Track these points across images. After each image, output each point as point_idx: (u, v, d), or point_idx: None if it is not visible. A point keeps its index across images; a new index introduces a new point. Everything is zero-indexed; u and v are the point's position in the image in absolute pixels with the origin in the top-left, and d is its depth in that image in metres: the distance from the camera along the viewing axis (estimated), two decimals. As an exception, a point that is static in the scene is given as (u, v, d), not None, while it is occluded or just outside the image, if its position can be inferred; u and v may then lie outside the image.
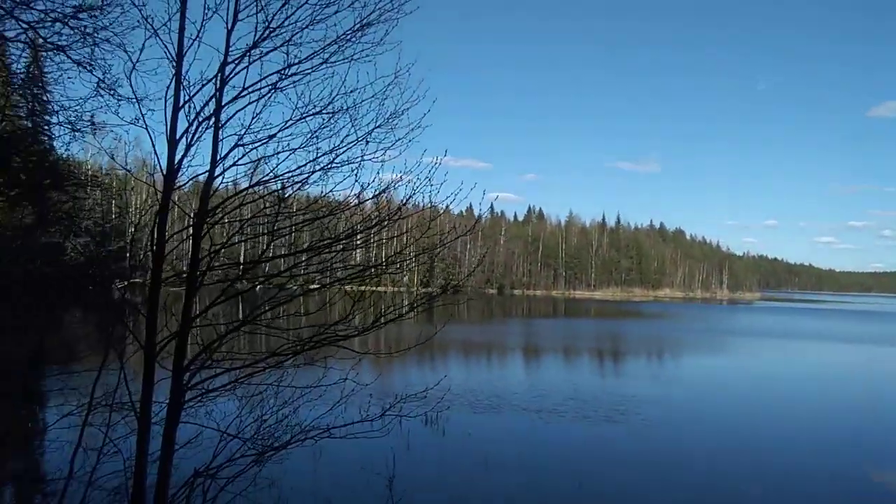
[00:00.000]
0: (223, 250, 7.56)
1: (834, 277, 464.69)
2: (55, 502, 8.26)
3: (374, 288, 8.17)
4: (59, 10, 8.60)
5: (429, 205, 6.91)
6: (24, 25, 8.90)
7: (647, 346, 50.99)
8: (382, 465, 8.98)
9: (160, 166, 6.79)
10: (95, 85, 9.38)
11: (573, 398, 25.35)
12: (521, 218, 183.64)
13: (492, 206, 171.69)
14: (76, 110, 10.23)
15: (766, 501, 14.89)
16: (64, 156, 13.60)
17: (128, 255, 9.18)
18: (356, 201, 7.13)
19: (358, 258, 9.60)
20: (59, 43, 9.01)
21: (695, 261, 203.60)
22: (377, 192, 7.06)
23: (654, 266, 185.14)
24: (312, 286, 7.82)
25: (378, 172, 6.92)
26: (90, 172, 11.75)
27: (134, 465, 7.30)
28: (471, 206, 8.13)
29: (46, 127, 12.81)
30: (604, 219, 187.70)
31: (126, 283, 8.64)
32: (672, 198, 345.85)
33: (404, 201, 6.88)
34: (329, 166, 7.04)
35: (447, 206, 7.14)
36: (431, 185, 6.68)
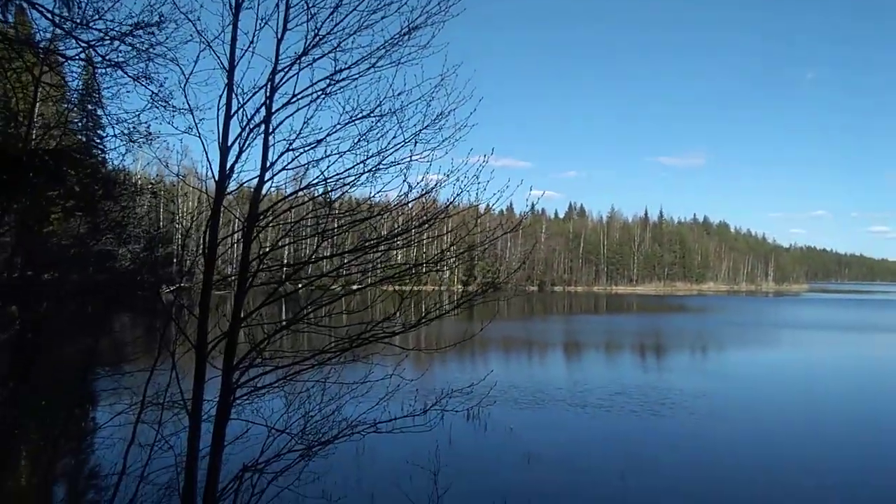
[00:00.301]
0: (270, 253, 7.72)
1: (887, 267, 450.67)
2: (108, 497, 8.51)
3: (415, 287, 8.23)
4: (116, 28, 8.82)
5: (474, 202, 6.93)
6: (84, 44, 9.15)
7: (690, 340, 50.28)
8: (426, 460, 9.07)
9: (213, 172, 6.95)
10: (150, 98, 9.65)
11: (617, 393, 25.20)
12: (561, 215, 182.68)
13: (533, 205, 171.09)
14: (131, 122, 10.51)
15: (814, 494, 14.59)
16: (117, 167, 13.99)
17: (175, 260, 9.40)
18: (403, 202, 7.18)
19: (399, 257, 9.68)
20: (116, 60, 9.25)
21: (739, 253, 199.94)
22: (423, 192, 7.12)
23: (697, 260, 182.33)
24: (355, 286, 7.92)
25: (426, 172, 6.98)
26: (140, 183, 12.05)
27: (185, 460, 7.50)
28: (511, 205, 8.16)
29: (100, 140, 13.19)
30: (646, 214, 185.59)
31: (174, 287, 8.85)
32: (716, 191, 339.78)
33: (451, 200, 6.93)
34: (376, 168, 7.12)
35: (490, 205, 7.19)
36: (479, 183, 6.72)
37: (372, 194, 7.02)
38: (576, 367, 34.70)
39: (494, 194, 6.93)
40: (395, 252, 8.38)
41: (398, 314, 7.19)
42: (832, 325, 65.22)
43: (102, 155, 13.95)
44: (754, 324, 67.31)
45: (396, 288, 7.79)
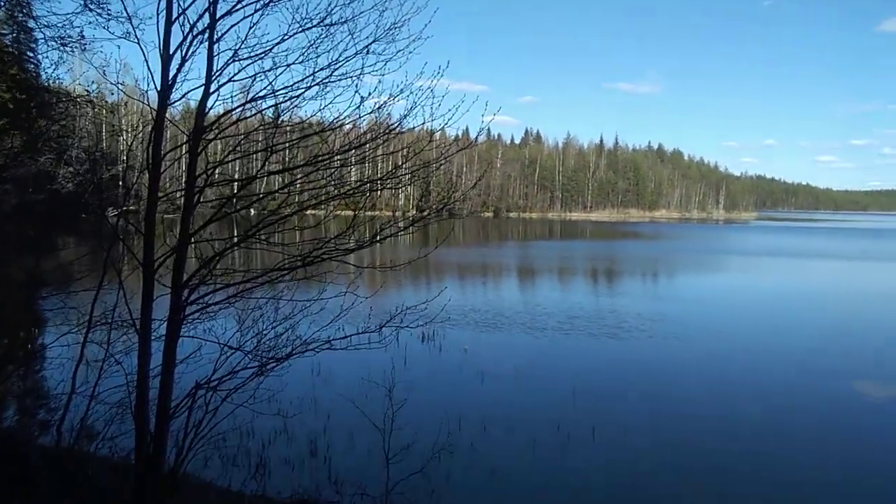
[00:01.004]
0: (219, 169, 7.48)
1: (831, 196, 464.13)
2: (59, 416, 8.43)
3: (369, 212, 8.09)
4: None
5: (428, 118, 6.76)
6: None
7: (645, 266, 51.37)
8: (381, 378, 9.18)
9: (154, 83, 6.61)
10: (83, 1, 9.05)
11: (573, 317, 25.76)
12: (517, 141, 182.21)
13: (489, 129, 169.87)
14: (63, 27, 9.88)
15: (760, 401, 15.29)
16: (51, 80, 13.28)
17: (120, 182, 9.06)
18: (356, 116, 6.97)
19: (354, 178, 9.47)
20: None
21: (692, 181, 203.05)
22: (377, 107, 6.90)
23: (651, 187, 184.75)
24: (308, 205, 7.75)
25: (379, 83, 6.75)
26: (78, 99, 11.43)
27: (135, 379, 7.43)
28: (467, 129, 8.00)
29: (33, 45, 12.43)
30: (601, 140, 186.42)
31: (120, 210, 8.56)
32: (671, 119, 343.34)
33: (405, 113, 6.73)
34: (327, 80, 6.86)
35: (446, 122, 7.02)
36: (433, 98, 6.53)
37: (322, 107, 6.78)
38: (531, 292, 35.25)
39: (449, 110, 6.77)
40: (348, 171, 8.20)
41: (352, 230, 7.07)
42: (781, 252, 67.12)
43: (36, 69, 13.21)
44: (707, 251, 68.98)
45: (351, 212, 7.63)
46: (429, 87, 6.51)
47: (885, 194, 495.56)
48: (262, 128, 7.04)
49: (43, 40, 10.65)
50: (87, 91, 8.19)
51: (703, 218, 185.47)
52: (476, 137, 7.04)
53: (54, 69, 9.84)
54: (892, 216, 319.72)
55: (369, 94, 6.70)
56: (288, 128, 7.19)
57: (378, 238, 7.31)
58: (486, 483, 10.90)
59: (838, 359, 20.67)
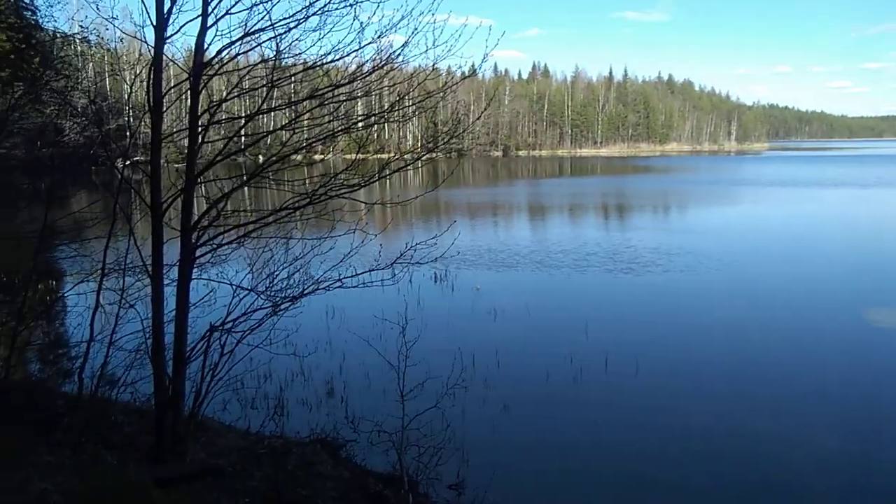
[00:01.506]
0: (223, 108, 7.36)
1: (845, 124, 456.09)
2: (79, 364, 8.54)
3: (376, 155, 7.97)
4: None
5: (431, 46, 6.56)
6: None
7: (656, 200, 50.95)
8: (394, 317, 9.19)
9: (150, 18, 6.45)
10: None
11: (588, 253, 25.71)
12: (525, 76, 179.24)
13: (495, 65, 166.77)
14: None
15: (772, 334, 15.33)
16: (49, 23, 13.07)
17: (128, 133, 8.95)
18: (356, 46, 6.77)
19: (359, 114, 9.30)
20: None
21: (703, 113, 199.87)
22: (377, 35, 6.70)
23: (661, 120, 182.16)
24: (314, 141, 7.64)
25: (378, 7, 6.53)
26: (75, 37, 11.25)
27: (151, 324, 7.48)
28: (473, 66, 7.76)
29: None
30: (611, 73, 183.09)
31: (129, 160, 8.49)
32: (680, 48, 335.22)
33: (407, 40, 6.53)
34: (325, 9, 6.66)
35: (449, 50, 6.82)
36: (435, 23, 6.32)
37: (322, 36, 6.58)
38: (542, 230, 35.13)
39: (452, 36, 6.57)
40: (353, 105, 8.06)
41: (358, 165, 6.97)
42: (795, 182, 66.28)
43: (34, 17, 13.00)
44: (719, 182, 68.07)
45: (359, 156, 7.50)
46: (430, 11, 6.30)
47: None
48: (262, 63, 6.87)
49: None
50: (82, 27, 8.00)
51: (714, 150, 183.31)
52: (481, 63, 6.85)
53: (49, 7, 9.61)
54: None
55: (369, 19, 6.49)
56: (290, 61, 7.03)
57: (387, 173, 7.21)
58: (499, 416, 11.03)
59: (854, 286, 20.59)
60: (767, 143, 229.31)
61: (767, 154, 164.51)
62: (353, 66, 7.03)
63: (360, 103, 8.17)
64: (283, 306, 7.67)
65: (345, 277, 7.60)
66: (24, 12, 13.79)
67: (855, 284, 20.83)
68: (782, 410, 11.27)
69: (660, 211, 44.23)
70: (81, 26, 7.88)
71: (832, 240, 30.43)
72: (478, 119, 50.22)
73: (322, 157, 8.40)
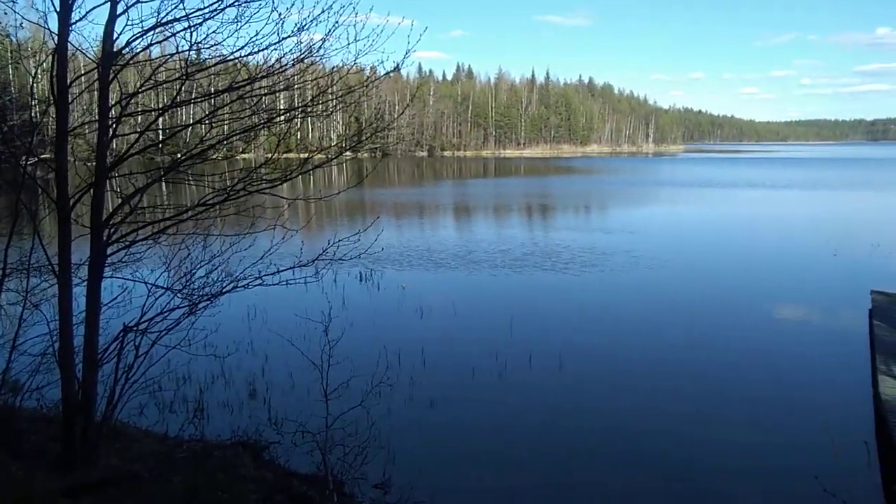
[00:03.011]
0: (138, 99, 7.07)
1: (754, 128, 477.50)
2: (-24, 371, 8.05)
3: (300, 154, 7.80)
4: None
5: (352, 40, 6.47)
6: None
7: (578, 200, 52.08)
8: (318, 316, 9.02)
9: (53, 3, 6.11)
10: None
11: (507, 252, 26.03)
12: (449, 77, 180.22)
13: (419, 65, 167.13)
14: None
15: (687, 331, 15.86)
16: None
17: (35, 129, 8.46)
18: (276, 39, 6.61)
19: (282, 108, 9.11)
20: None
21: (622, 115, 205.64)
22: (296, 28, 6.54)
23: (582, 122, 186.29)
24: (233, 135, 7.42)
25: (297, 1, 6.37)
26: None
27: (58, 326, 7.11)
28: (397, 66, 7.71)
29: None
30: (533, 75, 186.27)
31: (35, 159, 8.04)
32: (601, 53, 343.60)
33: (328, 32, 6.42)
34: (243, 0, 6.47)
35: (371, 44, 6.75)
36: (356, 15, 6.23)
37: (239, 27, 6.38)
38: (468, 230, 35.28)
39: (373, 31, 6.50)
40: (274, 99, 7.88)
41: (278, 159, 6.81)
42: (711, 183, 68.74)
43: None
44: (639, 183, 70.19)
45: (277, 152, 7.31)
46: (350, 5, 6.22)
47: (803, 124, 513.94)
48: (177, 54, 6.61)
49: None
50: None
51: (633, 151, 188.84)
52: (404, 59, 6.79)
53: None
54: (809, 146, 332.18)
55: (288, 10, 6.33)
56: (207, 53, 6.80)
57: (308, 168, 7.08)
58: (425, 414, 11.03)
59: (767, 283, 21.55)
60: (683, 146, 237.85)
61: (683, 156, 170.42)
62: (273, 60, 6.86)
63: (281, 98, 7.99)
64: (201, 305, 7.42)
65: (265, 275, 7.43)
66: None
67: (769, 281, 21.78)
68: (702, 406, 11.61)
69: (583, 211, 45.17)
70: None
71: (752, 239, 31.59)
72: (401, 115, 50.28)
73: (243, 154, 8.18)
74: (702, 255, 26.80)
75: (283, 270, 7.43)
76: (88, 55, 7.00)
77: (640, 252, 26.00)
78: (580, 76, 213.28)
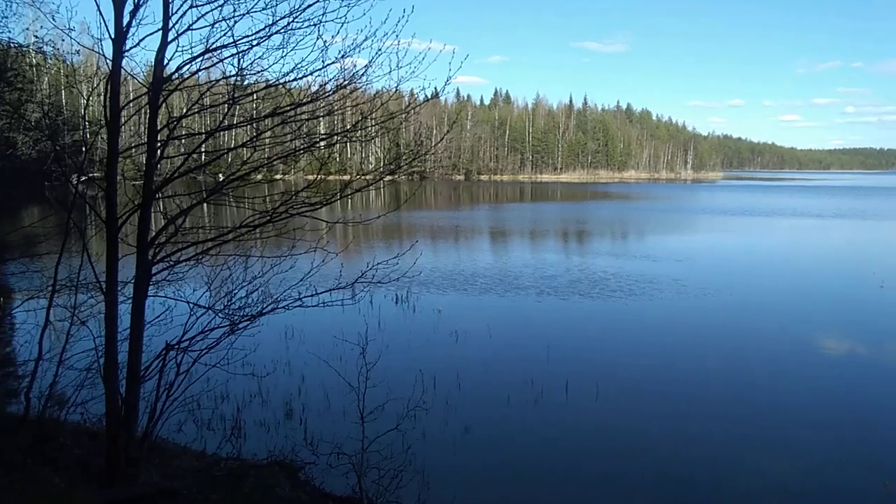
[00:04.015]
0: (183, 124, 7.27)
1: (795, 156, 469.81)
2: (26, 383, 8.27)
3: (338, 176, 7.96)
4: None
5: (394, 67, 6.59)
6: None
7: (617, 226, 51.57)
8: (354, 338, 9.10)
9: (108, 30, 6.35)
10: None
11: (545, 277, 25.88)
12: (487, 102, 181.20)
13: (458, 90, 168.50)
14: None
15: (731, 362, 15.57)
16: (4, 42, 12.77)
17: (84, 148, 8.75)
18: (320, 65, 6.76)
19: (322, 131, 9.27)
20: None
21: (660, 142, 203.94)
22: (340, 55, 6.71)
23: (620, 148, 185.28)
24: (275, 159, 7.58)
25: (342, 27, 6.53)
26: (30, 48, 11.00)
27: (104, 342, 7.29)
28: (436, 90, 7.82)
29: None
30: (571, 101, 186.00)
31: (85, 177, 8.31)
32: (639, 79, 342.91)
33: (371, 59, 6.55)
34: (289, 28, 6.65)
35: (412, 72, 6.86)
36: (399, 43, 6.35)
37: (284, 54, 6.56)
38: (504, 254, 35.19)
39: (416, 58, 6.62)
40: (315, 125, 8.04)
41: (320, 184, 6.93)
42: (755, 211, 67.49)
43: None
44: (679, 210, 69.13)
45: (319, 176, 7.45)
46: (394, 32, 6.34)
47: (847, 153, 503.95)
48: (224, 79, 6.81)
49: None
50: (36, 37, 7.80)
51: (671, 178, 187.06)
52: (445, 86, 6.89)
53: (3, 18, 9.37)
54: (853, 174, 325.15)
55: (332, 38, 6.49)
56: (252, 78, 6.98)
57: (348, 192, 7.19)
58: (460, 439, 10.98)
59: (809, 314, 21.08)
60: (722, 172, 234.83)
61: (723, 183, 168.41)
62: (317, 86, 7.01)
63: (322, 123, 8.13)
64: (241, 325, 7.55)
65: (305, 296, 7.52)
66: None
67: (815, 313, 21.30)
68: (743, 438, 11.34)
69: (625, 237, 44.70)
70: (36, 37, 7.68)
71: (797, 269, 30.88)
72: (440, 141, 50.51)
73: (283, 176, 8.34)
74: (748, 285, 26.11)
75: (321, 293, 7.52)
76: (138, 80, 7.24)
77: (688, 280, 25.48)
78: (618, 102, 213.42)
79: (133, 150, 7.53)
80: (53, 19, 6.69)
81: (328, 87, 6.81)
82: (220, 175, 7.99)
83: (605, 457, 10.54)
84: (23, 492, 5.99)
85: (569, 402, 12.63)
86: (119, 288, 7.19)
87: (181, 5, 6.35)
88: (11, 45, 10.34)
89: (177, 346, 7.53)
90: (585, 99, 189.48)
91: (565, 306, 21.14)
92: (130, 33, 6.27)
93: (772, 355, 16.24)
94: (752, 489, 9.56)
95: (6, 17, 9.78)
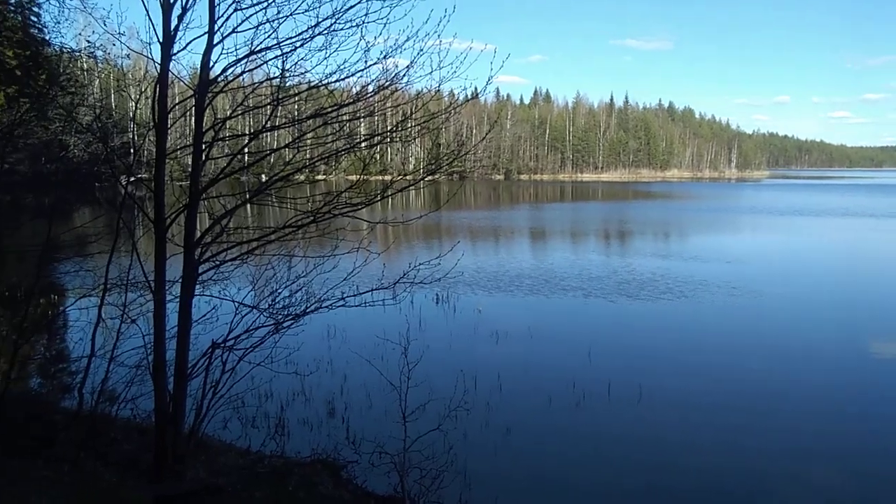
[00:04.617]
0: (227, 125, 7.39)
1: (845, 153, 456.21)
2: (79, 379, 8.51)
3: (378, 176, 8.01)
4: None
5: (436, 67, 6.61)
6: None
7: (660, 226, 50.67)
8: (396, 337, 9.14)
9: (156, 34, 6.50)
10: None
11: (586, 277, 25.66)
12: (527, 101, 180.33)
13: (497, 89, 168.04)
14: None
15: (775, 364, 15.24)
16: (55, 38, 13.17)
17: (132, 150, 8.97)
18: (362, 66, 6.81)
19: (363, 132, 9.32)
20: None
21: (703, 140, 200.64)
22: (382, 56, 6.75)
23: (662, 147, 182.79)
24: (318, 159, 7.66)
25: (384, 28, 6.56)
26: (81, 53, 11.35)
27: (153, 340, 7.45)
28: (476, 90, 7.81)
29: (35, 8, 12.30)
30: (612, 99, 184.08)
31: (132, 178, 8.53)
32: (681, 76, 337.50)
33: (413, 59, 6.58)
34: (331, 29, 6.71)
35: (454, 72, 6.86)
36: (440, 43, 6.37)
37: (327, 55, 6.62)
38: (545, 254, 35.01)
39: (457, 58, 6.61)
40: (357, 125, 8.10)
41: (362, 184, 6.98)
42: (804, 211, 65.63)
43: (41, 34, 13.07)
44: (724, 209, 67.64)
45: (360, 176, 7.51)
46: (435, 32, 6.35)
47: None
48: (268, 80, 6.91)
49: (44, -2, 10.48)
50: (89, 42, 8.02)
51: (714, 177, 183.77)
52: (486, 86, 6.88)
53: (56, 24, 9.67)
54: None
55: (375, 38, 6.53)
56: (294, 80, 7.06)
57: (389, 193, 7.23)
58: (502, 440, 10.94)
59: (866, 320, 20.50)
60: (767, 171, 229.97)
61: (768, 181, 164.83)
62: (358, 87, 7.07)
63: (362, 123, 8.19)
64: (285, 324, 7.65)
65: (348, 296, 7.59)
66: (32, 30, 13.86)
67: (872, 319, 20.59)
68: (791, 448, 11.04)
69: (667, 237, 44.00)
70: (88, 42, 7.90)
71: (853, 273, 29.94)
72: (480, 142, 50.37)
73: (324, 176, 8.42)
74: (803, 287, 25.35)
75: (364, 292, 7.58)
76: (185, 82, 7.39)
77: (740, 283, 24.66)
78: (660, 100, 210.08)
79: (179, 151, 7.67)
80: (105, 24, 6.87)
81: (370, 87, 6.86)
82: (263, 175, 8.12)
83: (648, 466, 10.36)
84: (76, 485, 6.16)
85: (611, 407, 12.49)
86: (167, 287, 7.34)
87: (226, 9, 6.47)
88: (64, 50, 10.65)
89: (223, 345, 7.67)
90: (626, 97, 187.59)
91: (608, 307, 20.91)
92: (178, 37, 6.41)
93: (829, 364, 15.71)
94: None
95: (59, 24, 10.10)
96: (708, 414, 12.35)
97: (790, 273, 28.91)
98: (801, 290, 24.67)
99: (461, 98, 8.02)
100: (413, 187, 7.64)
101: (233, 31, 6.60)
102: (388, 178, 7.54)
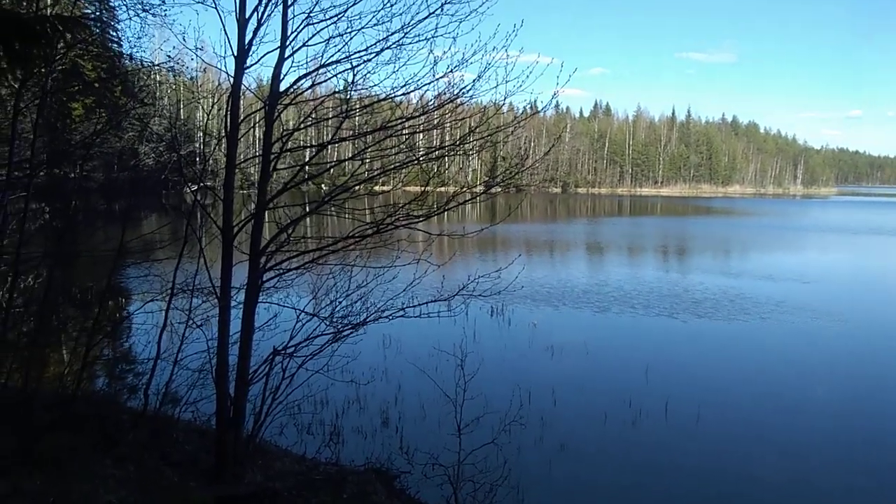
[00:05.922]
0: (293, 135, 7.56)
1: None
2: (145, 380, 8.76)
3: (439, 188, 8.07)
4: None
5: (502, 81, 6.63)
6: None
7: (721, 243, 49.41)
8: (451, 349, 9.16)
9: (231, 48, 6.71)
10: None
11: (643, 293, 25.23)
12: (586, 114, 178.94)
13: (557, 102, 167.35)
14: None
15: (837, 390, 14.71)
16: (134, 51, 13.66)
17: (198, 158, 9.23)
18: (429, 79, 6.89)
19: (422, 145, 9.40)
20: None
21: (768, 155, 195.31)
22: (449, 69, 6.82)
23: (724, 162, 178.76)
24: (380, 171, 7.77)
25: (453, 42, 6.64)
26: (159, 66, 11.75)
27: (216, 344, 7.65)
28: (535, 102, 7.81)
29: (114, 22, 12.77)
30: (673, 113, 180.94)
31: (199, 185, 8.78)
32: (746, 90, 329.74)
33: (480, 73, 6.63)
34: (400, 43, 6.82)
35: (519, 86, 6.88)
36: (507, 57, 6.41)
37: (396, 69, 6.73)
38: (601, 269, 34.59)
39: (523, 72, 6.63)
40: (418, 139, 8.19)
41: (423, 198, 7.05)
42: (882, 230, 63.15)
43: (119, 47, 13.55)
44: (790, 227, 65.42)
45: (420, 188, 7.59)
46: (503, 46, 6.39)
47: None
48: (335, 93, 7.06)
49: (124, 8, 10.85)
50: (169, 56, 8.31)
51: (779, 193, 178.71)
52: (552, 100, 6.89)
53: (137, 39, 10.05)
54: None
55: (444, 53, 6.62)
56: (362, 91, 7.18)
57: (451, 206, 7.27)
58: (556, 456, 10.84)
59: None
60: (835, 188, 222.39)
61: (836, 199, 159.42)
62: (423, 100, 7.15)
63: (423, 136, 8.28)
64: (344, 333, 7.76)
65: (407, 307, 7.66)
66: (111, 44, 14.38)
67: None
68: (853, 476, 10.68)
69: (732, 254, 42.89)
70: (168, 56, 8.22)
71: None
72: (542, 158, 50.12)
73: (386, 188, 8.53)
74: (891, 315, 24.25)
75: (422, 304, 7.63)
76: (255, 94, 7.60)
77: (819, 306, 23.59)
78: (723, 114, 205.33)
79: (246, 161, 7.89)
80: (184, 40, 7.12)
81: (434, 100, 6.93)
82: (325, 186, 8.27)
83: (704, 484, 10.13)
84: (141, 484, 6.34)
85: (668, 427, 12.24)
86: (231, 293, 7.52)
87: (298, 24, 6.64)
88: (143, 63, 11.05)
89: (283, 352, 7.82)
90: (689, 111, 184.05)
91: (666, 324, 20.52)
92: (251, 51, 6.60)
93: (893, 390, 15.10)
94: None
95: (139, 39, 10.48)
96: (769, 437, 11.97)
97: (874, 297, 27.63)
98: (889, 317, 23.61)
99: (521, 111, 8.03)
100: (474, 201, 7.67)
101: (303, 45, 6.78)
102: (449, 189, 7.59)
